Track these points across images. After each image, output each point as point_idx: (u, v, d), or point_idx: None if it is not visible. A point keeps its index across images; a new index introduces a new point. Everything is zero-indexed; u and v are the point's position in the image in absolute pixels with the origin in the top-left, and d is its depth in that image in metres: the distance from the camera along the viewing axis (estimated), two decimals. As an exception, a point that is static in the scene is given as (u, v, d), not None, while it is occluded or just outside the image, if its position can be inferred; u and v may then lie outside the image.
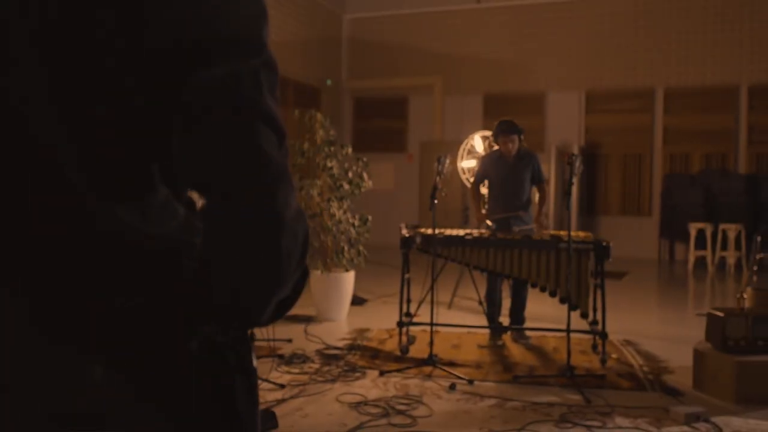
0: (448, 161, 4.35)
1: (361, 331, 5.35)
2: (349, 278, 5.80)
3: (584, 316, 4.39)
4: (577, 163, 4.12)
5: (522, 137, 5.07)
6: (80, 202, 0.65)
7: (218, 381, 0.72)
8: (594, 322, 4.58)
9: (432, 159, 8.44)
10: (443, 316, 5.90)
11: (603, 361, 4.36)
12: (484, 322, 5.23)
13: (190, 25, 0.66)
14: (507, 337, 5.13)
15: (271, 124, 0.68)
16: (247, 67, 0.68)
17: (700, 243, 9.63)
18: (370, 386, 3.86)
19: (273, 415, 3.18)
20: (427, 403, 3.57)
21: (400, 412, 3.40)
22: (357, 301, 6.53)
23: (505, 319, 5.19)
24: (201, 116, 0.66)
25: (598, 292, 4.44)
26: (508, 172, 5.04)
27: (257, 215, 0.66)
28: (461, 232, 4.66)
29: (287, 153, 0.71)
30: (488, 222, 5.10)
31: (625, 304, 6.91)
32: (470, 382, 3.94)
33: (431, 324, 4.29)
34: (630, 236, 10.80)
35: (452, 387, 3.83)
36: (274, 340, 4.85)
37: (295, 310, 6.01)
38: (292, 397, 3.62)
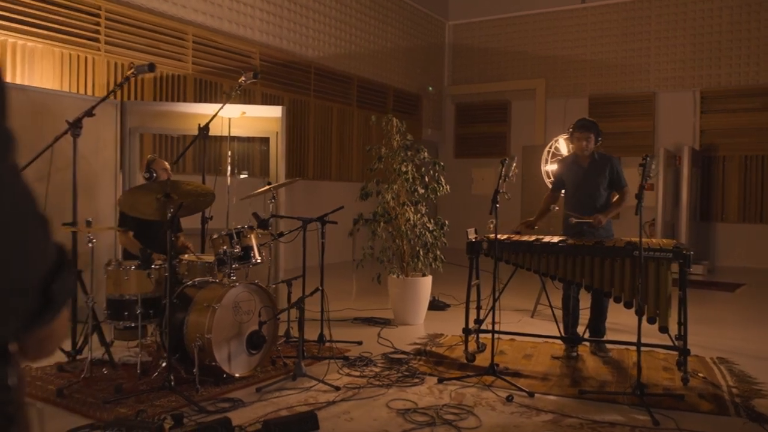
0: (514, 164, 4.19)
1: (434, 337, 5.27)
2: (425, 283, 5.74)
3: (663, 330, 4.05)
4: (653, 165, 3.83)
5: (600, 139, 4.72)
6: None
7: None
8: (679, 337, 4.23)
9: (535, 164, 8.19)
10: (525, 325, 5.70)
11: (685, 380, 4.01)
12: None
13: None
14: (585, 350, 4.85)
15: None
16: None
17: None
18: (425, 393, 3.78)
19: (314, 417, 3.20)
20: (478, 414, 3.44)
21: (446, 422, 3.31)
22: (439, 306, 6.46)
23: (584, 330, 4.90)
24: None
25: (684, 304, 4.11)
26: (582, 177, 4.73)
27: None
28: (531, 238, 4.47)
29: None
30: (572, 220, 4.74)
31: (731, 318, 6.34)
32: (531, 394, 3.76)
33: (492, 332, 4.14)
34: (749, 245, 9.89)
35: (509, 398, 3.68)
36: (343, 341, 4.92)
37: (373, 313, 6.08)
38: (343, 400, 3.63)
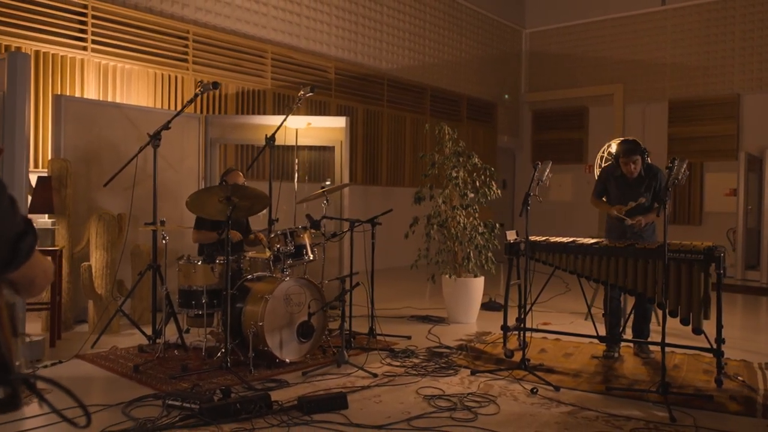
0: (547, 169, 4.37)
1: (481, 334, 5.49)
2: (477, 283, 5.97)
3: (697, 332, 4.09)
4: (683, 168, 3.90)
5: (646, 156, 4.76)
6: None
7: None
8: (719, 339, 4.24)
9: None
10: (576, 326, 5.80)
11: (718, 382, 4.04)
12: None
13: None
14: (628, 351, 4.92)
15: None
16: None
17: None
18: (456, 383, 4.04)
19: (344, 397, 3.54)
20: (500, 403, 3.66)
21: (466, 408, 3.55)
22: (494, 306, 6.65)
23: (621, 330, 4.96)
24: None
25: (721, 307, 4.13)
26: (627, 191, 4.79)
27: None
28: (566, 239, 4.62)
29: None
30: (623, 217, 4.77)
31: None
32: (556, 388, 3.93)
33: (524, 329, 4.33)
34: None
35: (533, 391, 3.87)
36: (393, 336, 5.25)
37: (429, 312, 6.37)
38: (377, 385, 3.96)
